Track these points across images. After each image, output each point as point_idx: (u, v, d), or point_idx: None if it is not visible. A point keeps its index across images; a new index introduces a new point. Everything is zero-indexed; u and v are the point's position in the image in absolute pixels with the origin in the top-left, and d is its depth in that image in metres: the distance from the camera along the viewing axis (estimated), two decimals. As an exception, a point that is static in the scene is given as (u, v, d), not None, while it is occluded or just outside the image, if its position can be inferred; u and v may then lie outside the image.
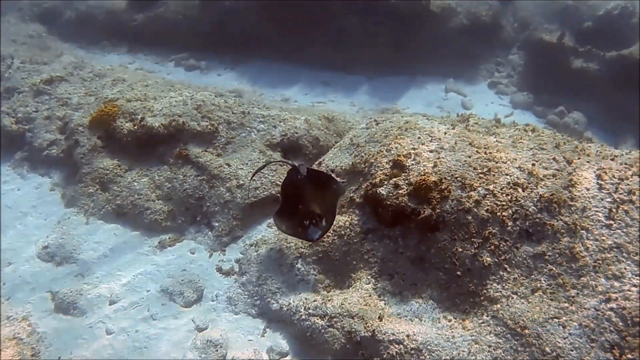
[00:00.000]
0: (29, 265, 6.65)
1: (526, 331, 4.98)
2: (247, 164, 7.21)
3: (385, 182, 5.89)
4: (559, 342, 4.85)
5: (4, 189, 7.91)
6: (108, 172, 7.42)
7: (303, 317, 5.58)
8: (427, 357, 5.00)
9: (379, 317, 5.28)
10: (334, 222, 5.90)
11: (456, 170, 5.71)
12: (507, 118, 10.54)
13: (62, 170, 8.04)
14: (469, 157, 5.87)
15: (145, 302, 6.18)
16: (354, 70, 12.08)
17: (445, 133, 6.35)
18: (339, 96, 11.38)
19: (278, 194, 7.06)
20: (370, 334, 5.17)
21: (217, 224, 6.95)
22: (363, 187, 6.14)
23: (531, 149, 6.07)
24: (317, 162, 7.17)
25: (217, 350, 5.51)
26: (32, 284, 6.42)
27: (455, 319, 5.31)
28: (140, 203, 7.15)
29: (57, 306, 6.14)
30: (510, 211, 5.45)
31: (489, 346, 5.02)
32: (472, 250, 5.38)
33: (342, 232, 6.03)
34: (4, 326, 5.77)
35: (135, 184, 7.30)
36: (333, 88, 11.65)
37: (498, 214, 5.43)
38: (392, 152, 6.15)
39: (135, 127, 7.52)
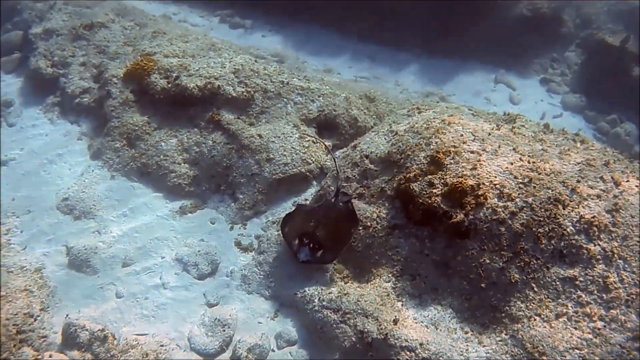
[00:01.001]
0: (47, 216, 6.56)
1: (544, 357, 4.74)
2: (279, 137, 6.95)
3: (420, 179, 5.60)
4: (577, 376, 4.62)
5: (32, 133, 7.81)
6: (137, 128, 7.24)
7: (316, 308, 5.38)
8: (437, 369, 4.78)
9: (394, 321, 5.04)
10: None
11: (495, 177, 5.38)
12: (555, 119, 10.06)
13: (91, 120, 7.87)
14: (511, 164, 5.52)
15: (159, 269, 6.06)
16: (403, 47, 11.62)
17: (490, 134, 5.98)
18: (385, 73, 10.99)
19: (308, 173, 6.83)
20: (383, 337, 4.96)
21: (241, 196, 6.75)
22: (396, 179, 5.86)
23: (578, 163, 5.69)
24: (352, 144, 6.90)
25: (224, 330, 5.36)
26: (49, 235, 6.33)
27: (473, 332, 5.07)
28: (165, 164, 6.97)
29: (70, 262, 6.04)
30: (546, 228, 5.13)
31: (503, 367, 4.79)
32: (501, 264, 5.09)
33: (368, 224, 5.79)
34: (16, 276, 5.69)
35: (163, 144, 7.11)
36: (379, 64, 11.24)
37: (533, 229, 5.12)
38: (432, 146, 5.83)
39: (169, 86, 7.30)
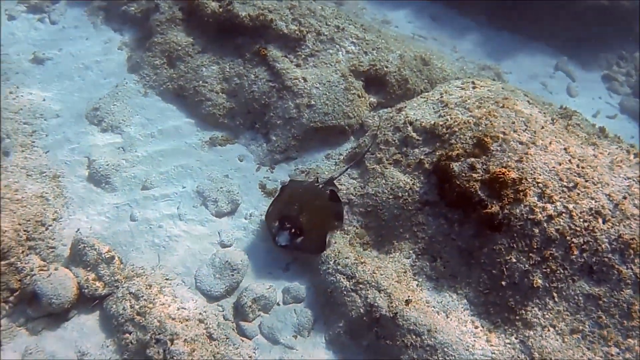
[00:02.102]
0: (75, 123, 6.38)
1: (549, 371, 4.56)
2: (324, 84, 6.61)
3: (462, 159, 5.26)
4: (578, 398, 4.44)
5: (73, 35, 7.54)
6: (180, 48, 6.95)
7: (330, 270, 5.20)
8: (440, 358, 4.59)
9: (406, 301, 4.83)
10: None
11: (540, 174, 5.02)
12: (608, 119, 9.49)
13: (135, 31, 7.59)
14: (559, 164, 5.15)
15: (178, 198, 5.90)
16: (467, 13, 10.96)
17: (543, 127, 5.57)
18: (443, 36, 10.40)
19: (347, 127, 6.55)
20: (392, 315, 4.77)
21: (274, 138, 6.49)
22: (437, 154, 5.52)
23: (628, 178, 5.28)
24: (397, 107, 6.53)
25: (232, 275, 5.20)
26: (73, 143, 6.17)
27: (483, 327, 4.87)
28: (203, 91, 6.71)
29: (90, 175, 5.90)
30: (581, 240, 4.82)
31: (506, 372, 4.62)
32: (526, 266, 4.83)
33: (400, 194, 5.52)
34: (34, 181, 5.56)
35: (204, 69, 6.83)
36: (440, 25, 10.64)
37: (567, 237, 4.81)
38: (480, 128, 5.45)
39: (221, 10, 6.93)
